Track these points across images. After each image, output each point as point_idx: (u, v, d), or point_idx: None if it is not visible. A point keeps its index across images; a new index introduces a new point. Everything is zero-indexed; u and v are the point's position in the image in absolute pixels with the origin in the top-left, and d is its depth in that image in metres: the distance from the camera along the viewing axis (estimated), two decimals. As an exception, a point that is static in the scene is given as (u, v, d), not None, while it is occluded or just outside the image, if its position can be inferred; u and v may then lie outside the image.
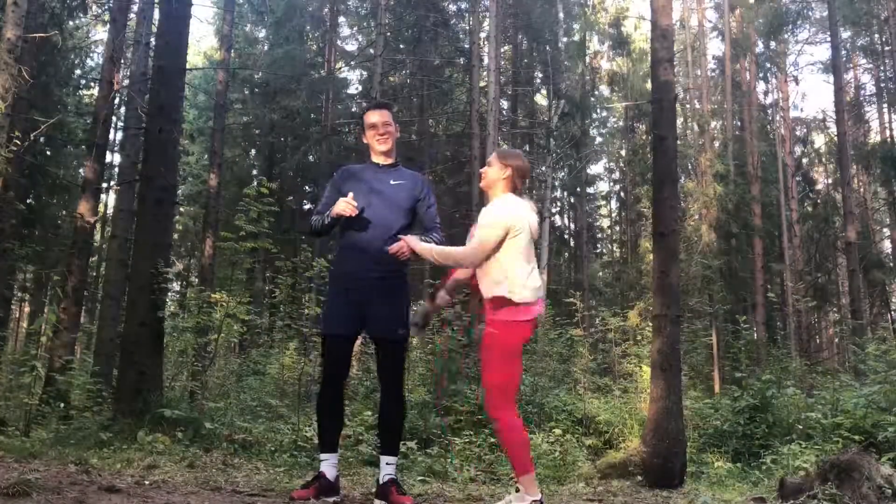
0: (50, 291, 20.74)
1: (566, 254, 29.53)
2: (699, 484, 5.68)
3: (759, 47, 22.35)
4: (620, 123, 28.67)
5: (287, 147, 23.09)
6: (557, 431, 6.89)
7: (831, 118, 23.03)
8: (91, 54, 20.66)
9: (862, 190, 24.47)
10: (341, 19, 25.30)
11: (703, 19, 23.41)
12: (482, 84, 18.49)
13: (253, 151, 25.27)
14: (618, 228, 32.76)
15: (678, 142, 9.25)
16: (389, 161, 3.88)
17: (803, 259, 22.01)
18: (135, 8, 12.00)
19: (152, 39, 10.62)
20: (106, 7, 15.06)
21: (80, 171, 16.72)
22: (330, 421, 3.76)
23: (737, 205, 19.26)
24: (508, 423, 3.41)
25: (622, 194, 30.44)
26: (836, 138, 19.34)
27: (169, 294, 7.28)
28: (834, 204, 22.51)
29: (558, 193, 27.48)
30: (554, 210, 27.21)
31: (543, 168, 19.39)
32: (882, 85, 23.10)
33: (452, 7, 23.47)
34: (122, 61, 12.15)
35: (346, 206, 3.61)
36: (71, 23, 16.69)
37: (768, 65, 22.96)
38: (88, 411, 6.90)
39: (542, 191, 19.46)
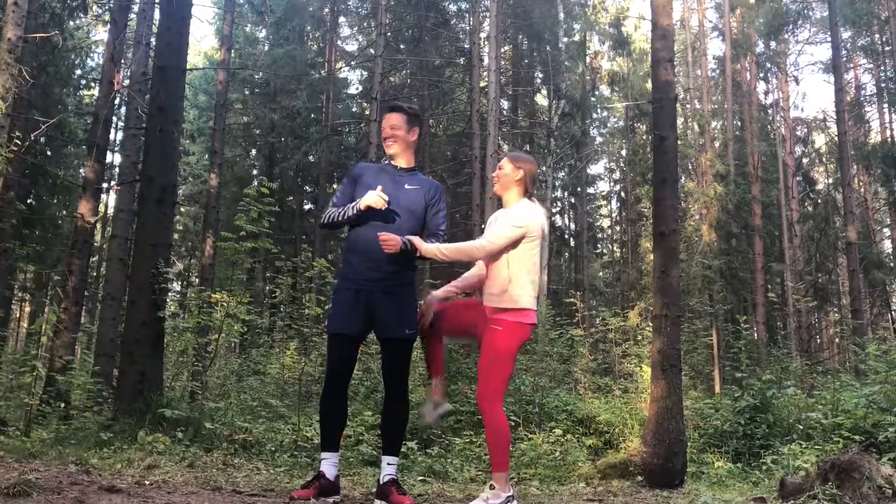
0: (50, 291, 20.76)
1: (566, 254, 29.52)
2: (699, 484, 5.68)
3: (760, 47, 22.35)
4: (621, 123, 28.68)
5: (287, 147, 23.09)
6: (558, 431, 6.89)
7: (832, 118, 23.03)
8: (91, 54, 20.67)
9: (862, 190, 24.45)
10: (341, 19, 25.31)
11: (704, 19, 23.42)
12: (482, 84, 18.49)
13: (253, 151, 25.28)
14: (618, 228, 32.76)
15: (678, 142, 9.24)
16: (406, 165, 3.87)
17: (804, 259, 22.01)
18: (135, 8, 11.99)
19: (152, 39, 10.61)
20: (106, 7, 15.06)
21: (81, 171, 16.73)
22: (333, 420, 3.75)
23: (737, 205, 19.28)
24: (498, 417, 3.52)
25: (622, 194, 30.44)
26: (836, 138, 19.32)
27: (169, 294, 7.27)
28: (834, 204, 22.51)
29: (558, 193, 27.49)
30: (554, 210, 27.22)
31: (544, 168, 19.40)
32: (882, 85, 23.08)
33: (452, 7, 23.50)
34: (123, 61, 12.14)
35: (377, 199, 3.58)
36: (71, 23, 16.70)
37: (769, 65, 22.96)
38: (89, 411, 6.89)
39: (542, 191, 19.45)
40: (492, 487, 3.51)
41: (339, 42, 25.66)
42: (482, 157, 16.80)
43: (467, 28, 21.80)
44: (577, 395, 8.68)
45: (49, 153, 17.45)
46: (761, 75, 23.25)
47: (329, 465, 3.68)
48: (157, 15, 9.67)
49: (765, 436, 6.72)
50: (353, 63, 26.05)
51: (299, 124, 22.44)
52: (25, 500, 3.05)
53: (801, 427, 6.70)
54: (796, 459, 5.60)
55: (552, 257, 23.89)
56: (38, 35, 10.53)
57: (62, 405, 7.57)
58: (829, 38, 17.71)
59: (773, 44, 22.19)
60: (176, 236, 24.15)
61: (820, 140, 26.61)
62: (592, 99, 24.74)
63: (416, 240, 3.62)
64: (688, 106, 22.77)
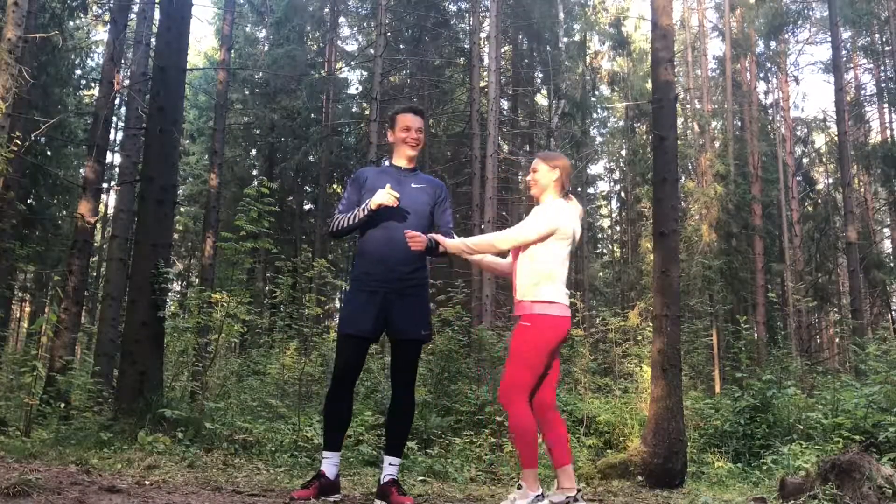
0: (50, 291, 20.77)
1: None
2: (700, 484, 5.69)
3: (760, 47, 22.36)
4: (621, 123, 28.67)
5: (287, 147, 23.10)
6: (558, 431, 6.87)
7: (832, 118, 23.03)
8: (91, 54, 20.71)
9: (862, 190, 24.44)
10: (341, 19, 25.31)
11: (704, 19, 23.43)
12: (482, 84, 18.48)
13: (253, 151, 25.29)
14: (618, 228, 32.77)
15: (678, 142, 9.25)
16: (411, 165, 3.88)
17: (804, 259, 22.00)
18: (135, 8, 11.99)
19: (152, 39, 10.61)
20: (106, 7, 15.06)
21: (81, 171, 16.73)
22: (339, 420, 3.74)
23: (737, 205, 19.28)
24: (519, 414, 3.40)
25: (622, 194, 30.45)
26: (836, 138, 19.34)
27: (169, 294, 7.27)
28: (834, 204, 22.51)
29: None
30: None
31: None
32: (882, 85, 23.08)
33: (452, 7, 23.49)
34: (123, 61, 12.15)
35: (388, 196, 3.56)
36: (71, 23, 16.71)
37: (769, 65, 22.96)
38: (89, 411, 6.90)
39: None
40: (519, 487, 3.41)
41: (339, 42, 25.67)
42: (482, 157, 16.79)
43: (467, 28, 21.79)
44: (577, 395, 8.68)
45: (49, 153, 17.45)
46: (761, 75, 23.26)
47: (330, 464, 3.68)
48: (157, 15, 9.66)
49: (765, 436, 6.72)
50: (353, 63, 26.05)
51: (299, 124, 22.45)
52: (25, 500, 3.04)
53: (802, 427, 6.70)
54: (796, 459, 5.60)
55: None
56: (38, 35, 10.52)
57: (62, 405, 7.57)
58: (829, 38, 17.72)
59: (773, 44, 22.19)
60: (176, 236, 24.16)
61: (820, 140, 26.63)
62: (592, 99, 24.71)
63: (440, 237, 3.63)
64: (688, 106, 22.77)
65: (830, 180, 26.44)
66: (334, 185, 23.68)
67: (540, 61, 24.02)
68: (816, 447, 5.97)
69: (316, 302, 10.14)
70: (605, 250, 34.03)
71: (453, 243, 3.61)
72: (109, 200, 21.58)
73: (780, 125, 23.85)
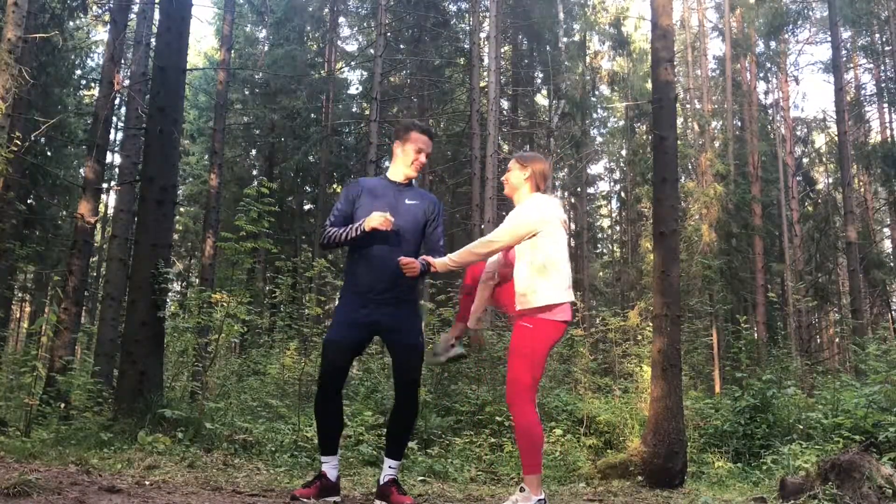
0: (50, 291, 20.76)
1: (566, 254, 29.49)
2: (700, 484, 5.68)
3: (760, 47, 22.35)
4: (621, 123, 28.67)
5: (287, 147, 23.11)
6: (558, 431, 6.89)
7: (832, 118, 23.04)
8: (91, 54, 20.71)
9: (862, 190, 24.45)
10: (341, 19, 25.32)
11: (704, 19, 23.43)
12: (482, 84, 18.48)
13: (253, 151, 25.29)
14: (618, 228, 32.78)
15: (678, 142, 9.24)
16: (405, 180, 3.89)
17: (804, 259, 22.00)
18: (135, 8, 11.99)
19: (152, 39, 10.61)
20: (106, 7, 15.05)
21: (81, 171, 16.74)
22: (329, 425, 3.74)
23: (737, 205, 19.28)
24: (527, 418, 3.42)
25: (622, 194, 30.45)
26: (836, 138, 19.33)
27: (169, 294, 7.27)
28: (834, 204, 22.51)
29: (558, 193, 27.49)
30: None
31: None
32: (882, 85, 23.09)
33: (452, 7, 23.50)
34: (123, 61, 12.14)
35: (384, 220, 3.59)
36: (71, 23, 16.71)
37: (769, 65, 22.96)
38: (89, 411, 6.89)
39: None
40: (522, 490, 3.43)
41: (339, 42, 25.68)
42: (482, 158, 16.79)
43: (467, 28, 21.79)
44: (577, 395, 8.67)
45: (49, 153, 17.46)
46: (761, 75, 23.25)
47: (330, 467, 3.69)
48: (157, 15, 9.66)
49: (765, 436, 6.72)
50: (353, 63, 26.06)
51: (299, 124, 22.45)
52: (25, 500, 3.05)
53: (802, 427, 6.70)
54: (796, 459, 5.60)
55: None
56: (38, 35, 10.52)
57: (62, 405, 7.57)
58: (829, 38, 17.71)
59: (773, 44, 22.19)
60: (176, 236, 24.16)
61: (820, 140, 26.64)
62: (592, 99, 24.73)
63: (430, 259, 3.68)
64: (688, 106, 22.76)
65: (830, 180, 26.44)
66: (334, 185, 23.68)
67: (540, 61, 24.03)
68: (816, 447, 5.97)
69: (316, 302, 10.14)
70: (605, 250, 34.05)
71: (441, 262, 3.65)
72: (109, 200, 21.60)
73: (780, 125, 23.86)
